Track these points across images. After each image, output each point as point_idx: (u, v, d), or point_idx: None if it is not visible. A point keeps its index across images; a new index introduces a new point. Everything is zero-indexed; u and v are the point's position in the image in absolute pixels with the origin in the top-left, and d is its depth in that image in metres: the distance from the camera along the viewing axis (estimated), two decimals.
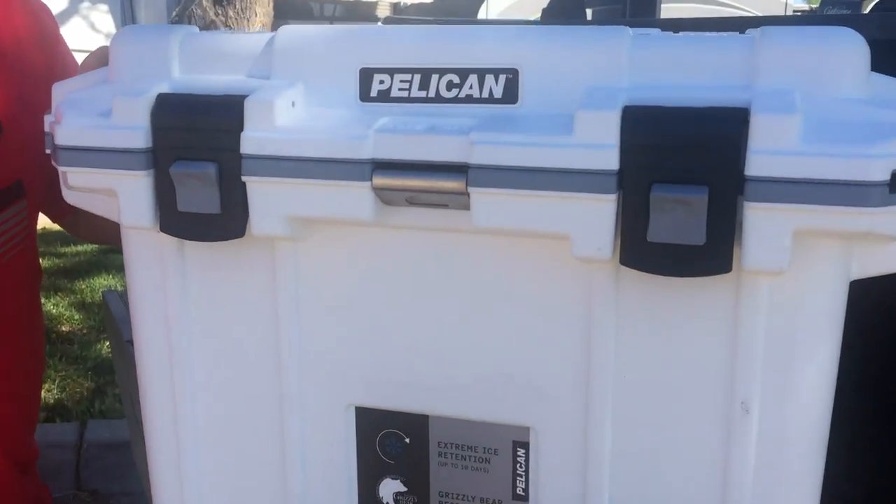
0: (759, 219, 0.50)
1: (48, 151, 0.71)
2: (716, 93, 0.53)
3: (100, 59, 0.83)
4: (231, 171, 0.59)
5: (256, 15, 4.24)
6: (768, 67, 0.52)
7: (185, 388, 0.68)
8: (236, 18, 4.20)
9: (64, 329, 3.29)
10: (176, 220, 0.62)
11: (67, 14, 6.37)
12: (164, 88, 0.62)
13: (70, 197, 0.71)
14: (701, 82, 0.54)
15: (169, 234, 0.62)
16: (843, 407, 0.60)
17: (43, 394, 2.76)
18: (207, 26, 4.21)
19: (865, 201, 0.48)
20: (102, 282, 3.81)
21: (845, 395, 0.60)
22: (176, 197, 0.61)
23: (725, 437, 0.58)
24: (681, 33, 0.59)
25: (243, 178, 0.59)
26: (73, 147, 0.62)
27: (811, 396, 0.57)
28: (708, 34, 0.57)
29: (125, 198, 0.62)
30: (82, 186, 0.63)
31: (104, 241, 1.16)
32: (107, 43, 0.76)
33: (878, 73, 0.54)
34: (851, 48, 0.52)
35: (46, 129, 0.71)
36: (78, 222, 1.09)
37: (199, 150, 0.60)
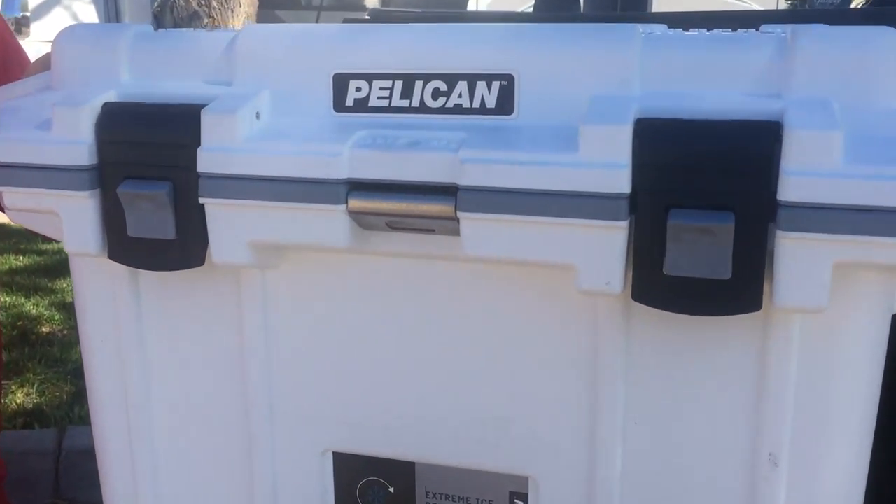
0: (794, 250, 0.43)
1: None
2: (741, 103, 0.46)
3: (47, 62, 0.76)
4: (187, 191, 0.52)
5: (241, 5, 4.14)
6: (802, 73, 0.45)
7: (143, 432, 0.61)
8: (220, 9, 4.10)
9: (44, 330, 3.20)
10: (126, 247, 0.54)
11: (48, 5, 6.25)
12: (112, 97, 0.54)
13: (11, 216, 0.63)
14: (723, 90, 0.47)
15: (117, 261, 0.55)
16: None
17: (21, 398, 2.68)
18: (190, 17, 4.11)
19: None
20: None
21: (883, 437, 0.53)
22: (125, 220, 0.53)
23: (750, 493, 0.51)
24: (694, 31, 0.52)
25: (201, 200, 0.51)
26: (8, 164, 0.54)
27: (848, 446, 0.50)
28: (729, 34, 0.50)
29: (68, 221, 0.54)
30: (21, 208, 0.55)
31: None
32: None
33: None
34: (894, 50, 0.45)
35: None
36: None
37: (151, 168, 0.52)
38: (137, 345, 0.60)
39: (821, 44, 0.45)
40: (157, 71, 0.56)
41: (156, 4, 4.13)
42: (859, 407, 0.50)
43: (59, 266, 3.89)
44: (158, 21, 4.16)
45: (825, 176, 0.42)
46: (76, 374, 2.87)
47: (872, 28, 0.46)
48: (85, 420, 2.61)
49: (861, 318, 0.48)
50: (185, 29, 0.60)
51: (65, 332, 3.21)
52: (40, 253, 4.09)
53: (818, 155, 0.42)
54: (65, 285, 3.67)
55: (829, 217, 0.42)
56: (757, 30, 0.72)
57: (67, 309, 3.39)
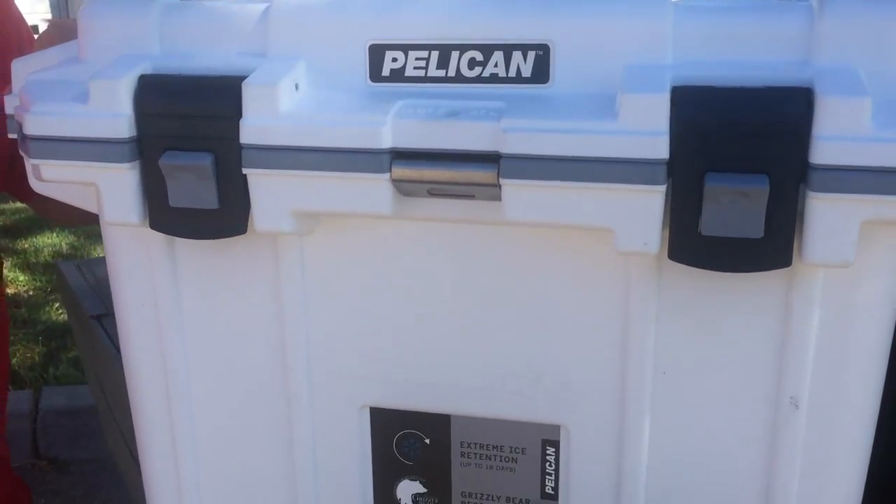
0: (825, 210, 0.46)
1: (11, 136, 0.64)
2: (771, 70, 0.48)
3: (60, 31, 0.75)
4: (229, 162, 0.53)
5: None
6: (829, 41, 0.48)
7: (182, 396, 0.63)
8: None
9: (9, 292, 3.16)
10: (167, 216, 0.55)
11: None
12: (147, 69, 0.55)
13: (40, 187, 0.64)
14: (753, 58, 0.49)
15: (160, 231, 0.56)
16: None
17: None
18: None
19: None
20: (47, 240, 3.67)
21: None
22: (167, 191, 0.54)
23: (772, 434, 0.55)
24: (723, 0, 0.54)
25: (244, 171, 0.53)
26: (45, 137, 0.55)
27: (862, 390, 0.54)
28: (756, 2, 0.52)
29: (108, 192, 0.55)
30: (58, 180, 0.56)
31: (81, 223, 1.08)
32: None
33: None
34: None
35: (8, 110, 0.64)
36: (49, 205, 1.01)
37: (191, 140, 0.53)
38: (175, 311, 0.61)
39: (847, 12, 0.48)
40: (188, 43, 0.57)
41: None
42: (873, 353, 0.53)
43: (19, 227, 3.83)
44: None
45: (855, 140, 0.44)
46: (47, 335, 2.85)
47: None
48: (60, 380, 2.61)
49: (878, 271, 0.51)
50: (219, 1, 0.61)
51: (31, 292, 3.18)
52: (0, 213, 4.01)
53: (849, 120, 0.45)
54: (27, 245, 3.62)
55: (858, 178, 0.45)
56: None
57: (31, 269, 3.35)
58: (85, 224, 0.97)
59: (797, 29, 0.48)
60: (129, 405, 0.68)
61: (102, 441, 2.59)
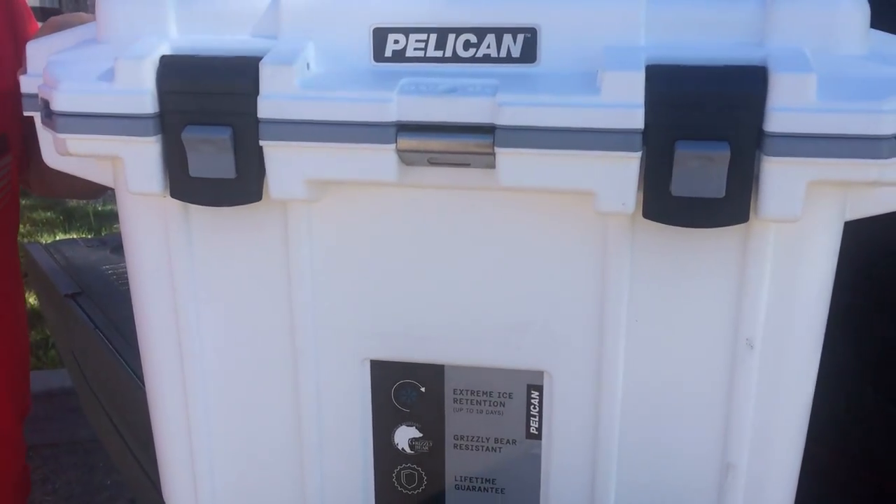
0: (777, 172, 0.53)
1: (28, 113, 0.68)
2: (730, 51, 0.55)
3: (56, 25, 0.80)
4: (247, 135, 0.58)
5: None
6: (780, 26, 0.55)
7: (193, 351, 0.68)
8: None
9: None
10: (188, 186, 0.61)
11: None
12: (167, 49, 0.60)
13: (59, 162, 0.68)
14: (714, 40, 0.56)
15: (181, 199, 0.61)
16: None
17: None
18: None
19: (876, 153, 0.52)
20: None
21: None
22: (187, 162, 0.60)
23: (731, 371, 0.62)
24: None
25: (261, 143, 0.58)
26: (73, 113, 0.59)
27: (807, 331, 0.62)
28: None
29: (132, 164, 0.60)
30: (84, 153, 0.61)
31: (64, 195, 1.12)
32: None
33: (874, 30, 0.57)
34: (854, 6, 0.55)
35: (25, 89, 0.68)
36: (45, 179, 1.04)
37: (211, 115, 0.58)
38: (189, 274, 0.66)
39: (794, 1, 0.55)
40: (203, 26, 0.62)
41: None
42: (817, 299, 0.61)
43: None
44: None
45: (802, 111, 0.52)
46: None
47: None
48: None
49: (821, 225, 0.59)
50: None
51: None
52: None
53: (797, 94, 0.52)
54: None
55: (805, 144, 0.52)
56: None
57: None
58: (88, 197, 1.02)
59: (753, 15, 0.56)
60: (106, 378, 0.72)
61: (62, 425, 2.59)
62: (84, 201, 4.39)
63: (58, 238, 3.72)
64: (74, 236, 3.69)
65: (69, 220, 4.12)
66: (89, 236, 3.55)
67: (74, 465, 2.52)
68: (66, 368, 2.63)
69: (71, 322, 1.34)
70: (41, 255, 1.53)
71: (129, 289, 0.72)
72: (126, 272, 0.73)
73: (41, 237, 3.56)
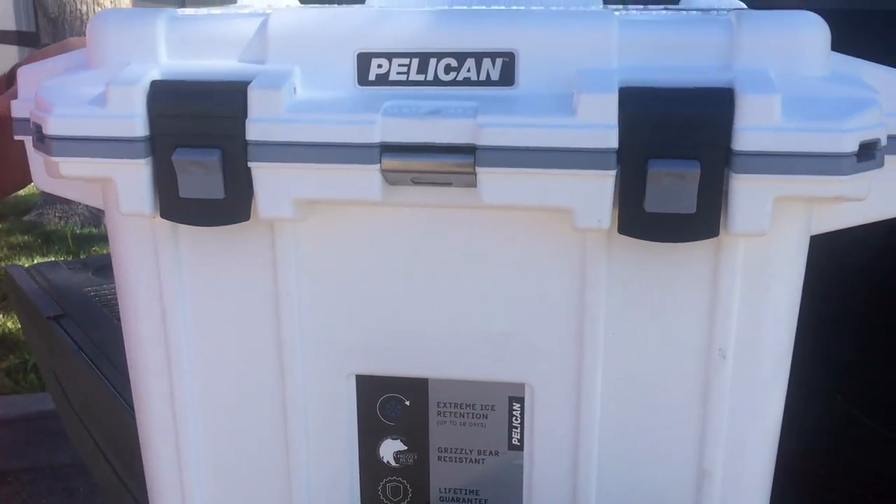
0: (744, 188, 0.56)
1: (19, 137, 0.70)
2: (699, 73, 0.58)
3: (64, 47, 0.81)
4: (235, 157, 0.60)
5: None
6: (746, 49, 0.58)
7: (182, 369, 0.70)
8: None
9: None
10: (177, 207, 0.62)
11: None
12: (157, 75, 0.62)
13: (46, 184, 0.70)
14: (683, 63, 0.59)
15: (171, 220, 0.63)
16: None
17: None
18: None
19: (838, 170, 0.54)
20: None
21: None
22: (177, 184, 0.61)
23: (705, 380, 0.64)
24: (654, 12, 0.64)
25: (249, 164, 0.60)
26: (66, 137, 0.61)
27: (777, 342, 0.64)
28: (685, 15, 0.62)
29: (123, 186, 0.62)
30: (76, 176, 0.62)
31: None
32: None
33: (834, 52, 0.60)
34: (816, 31, 0.58)
35: (16, 114, 0.69)
36: None
37: (201, 138, 0.60)
38: (178, 293, 0.68)
39: (759, 25, 0.58)
40: (191, 51, 0.64)
41: None
42: (786, 310, 0.64)
43: None
44: None
45: (768, 130, 0.55)
46: None
47: (798, 12, 0.58)
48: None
49: (788, 239, 0.62)
50: (213, 11, 0.68)
51: None
52: None
53: (763, 114, 0.55)
54: None
55: (771, 162, 0.55)
56: (677, 3, 0.85)
57: None
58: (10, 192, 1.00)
59: (719, 39, 0.59)
60: (91, 401, 0.74)
61: (41, 450, 2.58)
62: (62, 223, 4.37)
63: (37, 261, 3.70)
64: (53, 259, 3.68)
65: (47, 242, 4.10)
66: (69, 258, 3.54)
67: (54, 490, 2.50)
68: (44, 392, 2.61)
69: (54, 344, 1.34)
70: (23, 278, 1.53)
71: (111, 311, 0.73)
72: (109, 294, 0.74)
73: (20, 260, 3.54)
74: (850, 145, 0.54)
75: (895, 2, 0.93)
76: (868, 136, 0.55)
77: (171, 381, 0.70)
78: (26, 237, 4.17)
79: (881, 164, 0.57)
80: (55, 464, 2.60)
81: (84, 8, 4.02)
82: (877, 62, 0.62)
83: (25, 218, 4.46)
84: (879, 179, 0.58)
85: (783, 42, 0.58)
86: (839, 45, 0.62)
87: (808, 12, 0.58)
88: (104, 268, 1.54)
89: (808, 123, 0.54)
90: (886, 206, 0.63)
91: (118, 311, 0.72)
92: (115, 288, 0.72)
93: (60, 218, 4.35)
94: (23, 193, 4.98)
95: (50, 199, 4.41)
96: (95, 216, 4.37)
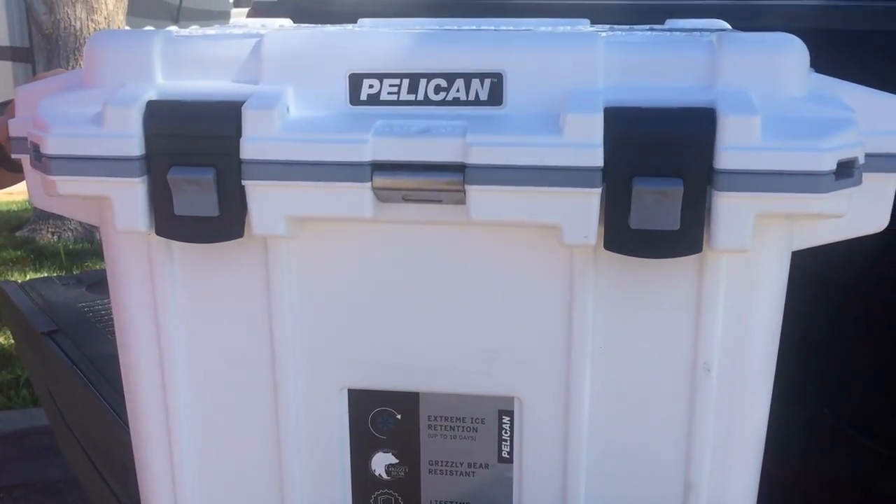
0: (726, 206, 0.57)
1: (17, 156, 0.71)
2: (682, 94, 0.60)
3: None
4: (229, 175, 0.61)
5: None
6: (726, 70, 0.59)
7: (176, 385, 0.71)
8: None
9: None
10: (172, 224, 0.63)
11: None
12: (152, 95, 0.63)
13: (43, 202, 0.71)
14: (666, 84, 0.61)
15: (166, 237, 0.64)
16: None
17: None
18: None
19: (817, 188, 0.56)
20: None
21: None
22: (172, 201, 0.63)
23: (691, 393, 0.66)
24: (639, 33, 0.66)
25: (244, 182, 0.61)
26: (64, 156, 0.62)
27: (760, 354, 0.66)
28: (668, 36, 0.64)
29: (119, 204, 0.63)
30: (73, 194, 0.63)
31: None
32: None
33: (813, 73, 0.62)
34: (795, 52, 0.60)
35: (13, 133, 0.71)
36: None
37: (196, 156, 0.62)
38: (172, 309, 0.69)
39: (740, 47, 0.60)
40: (187, 72, 0.65)
41: None
42: (768, 323, 0.65)
43: None
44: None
45: (749, 150, 0.56)
46: None
47: (777, 35, 0.60)
48: None
49: (770, 255, 0.63)
50: (208, 32, 0.69)
51: None
52: None
53: (743, 134, 0.56)
54: None
55: (752, 180, 0.56)
56: (662, 23, 0.87)
57: None
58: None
59: (701, 60, 0.60)
60: (85, 417, 0.74)
61: (33, 465, 2.57)
62: (55, 239, 4.37)
63: (30, 276, 3.70)
64: (46, 274, 3.68)
65: (39, 258, 4.10)
66: (61, 274, 3.54)
67: None
68: (37, 408, 2.61)
69: (47, 360, 1.35)
70: (16, 294, 1.54)
71: (105, 326, 0.74)
72: (103, 310, 0.75)
73: (12, 276, 3.54)
74: (829, 164, 0.56)
75: (872, 21, 0.95)
76: (846, 154, 0.57)
77: (166, 396, 0.71)
78: (19, 252, 4.17)
79: (859, 182, 0.58)
80: (47, 480, 2.59)
81: (78, 24, 4.03)
82: (854, 81, 0.64)
83: (18, 233, 4.46)
84: (858, 197, 0.59)
85: (763, 63, 0.59)
86: (818, 63, 0.64)
87: (787, 34, 0.60)
88: (98, 283, 1.55)
89: (787, 143, 0.56)
90: (865, 222, 0.64)
91: (112, 327, 0.73)
92: (109, 304, 0.73)
93: (53, 233, 4.35)
94: (15, 209, 4.98)
95: (42, 215, 4.41)
96: (88, 231, 4.37)
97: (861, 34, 0.94)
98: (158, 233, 0.64)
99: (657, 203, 0.58)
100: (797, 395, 0.79)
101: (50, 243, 4.35)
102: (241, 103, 0.61)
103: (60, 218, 4.38)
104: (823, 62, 0.65)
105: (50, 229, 4.43)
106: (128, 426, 0.76)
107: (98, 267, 3.54)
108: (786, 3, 1.01)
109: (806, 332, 0.78)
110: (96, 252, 4.13)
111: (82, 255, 4.18)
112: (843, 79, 0.63)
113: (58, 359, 1.31)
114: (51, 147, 0.62)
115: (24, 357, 1.57)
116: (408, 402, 0.70)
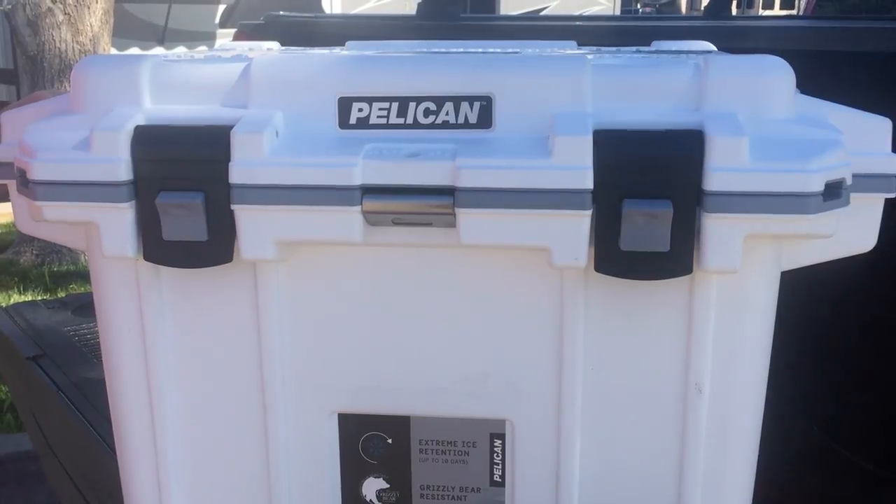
0: (716, 227, 0.58)
1: (2, 181, 0.70)
2: (670, 116, 0.60)
3: (34, 99, 0.82)
4: (218, 199, 0.61)
5: (97, 1, 4.04)
6: (714, 92, 0.60)
7: (164, 409, 0.70)
8: (75, 5, 3.99)
9: None
10: (161, 249, 0.63)
11: None
12: (140, 120, 0.63)
13: (29, 228, 0.70)
14: (654, 106, 0.61)
15: (154, 262, 0.64)
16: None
17: None
18: (43, 14, 3.99)
19: (806, 209, 0.56)
20: None
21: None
22: (161, 226, 0.62)
23: (682, 414, 0.66)
24: (626, 55, 0.66)
25: (233, 207, 0.61)
26: (51, 182, 0.62)
27: (751, 374, 0.66)
28: (656, 59, 0.64)
29: (106, 229, 0.63)
30: (60, 219, 0.63)
31: None
32: None
33: (799, 94, 0.62)
34: (781, 74, 0.60)
35: (0, 158, 0.70)
36: None
37: (185, 181, 0.61)
38: (160, 334, 0.68)
39: (726, 70, 0.60)
40: (175, 96, 0.65)
41: (5, 2, 3.97)
42: (759, 343, 0.65)
43: None
44: (10, 18, 4.02)
45: (737, 171, 0.56)
46: None
47: (763, 57, 0.61)
48: None
49: (760, 275, 0.63)
50: (196, 56, 0.69)
51: None
52: None
53: (731, 155, 0.56)
54: None
55: (741, 201, 0.57)
56: (648, 44, 0.87)
57: None
58: None
59: (689, 82, 0.61)
60: (70, 442, 0.73)
61: (17, 491, 2.54)
62: (39, 261, 4.34)
63: (14, 299, 3.67)
64: (30, 297, 3.65)
65: (24, 280, 4.07)
66: (46, 297, 3.51)
67: None
68: (21, 433, 2.58)
69: (33, 385, 1.33)
70: (1, 318, 1.52)
71: (91, 350, 0.74)
72: (89, 334, 0.75)
73: None
74: (817, 185, 0.56)
75: (858, 43, 0.96)
76: (833, 175, 0.57)
77: (153, 421, 0.70)
78: (2, 276, 4.14)
79: (847, 203, 0.59)
80: None
81: (63, 46, 4.03)
82: (841, 102, 0.64)
83: (1, 256, 4.43)
84: (846, 217, 0.59)
85: (750, 85, 0.60)
86: (804, 84, 0.64)
87: (773, 56, 0.60)
88: (84, 307, 1.54)
89: (775, 164, 0.56)
90: (854, 242, 0.65)
91: (98, 351, 0.73)
92: (95, 327, 0.73)
93: (38, 256, 4.32)
94: None
95: (27, 237, 4.39)
96: (73, 254, 4.35)
97: (846, 55, 0.95)
98: (146, 258, 0.64)
99: (647, 225, 0.58)
100: (788, 414, 0.79)
101: (34, 265, 4.32)
102: (230, 127, 0.61)
103: (44, 240, 4.35)
104: (810, 83, 0.65)
105: (34, 251, 4.40)
106: (114, 452, 0.75)
107: (84, 289, 3.52)
108: (771, 25, 1.02)
109: (796, 350, 0.78)
110: (81, 274, 4.10)
111: (67, 277, 4.15)
112: (830, 100, 0.64)
113: (43, 384, 1.29)
114: (37, 172, 0.62)
115: (9, 382, 1.55)
116: (399, 426, 0.69)
